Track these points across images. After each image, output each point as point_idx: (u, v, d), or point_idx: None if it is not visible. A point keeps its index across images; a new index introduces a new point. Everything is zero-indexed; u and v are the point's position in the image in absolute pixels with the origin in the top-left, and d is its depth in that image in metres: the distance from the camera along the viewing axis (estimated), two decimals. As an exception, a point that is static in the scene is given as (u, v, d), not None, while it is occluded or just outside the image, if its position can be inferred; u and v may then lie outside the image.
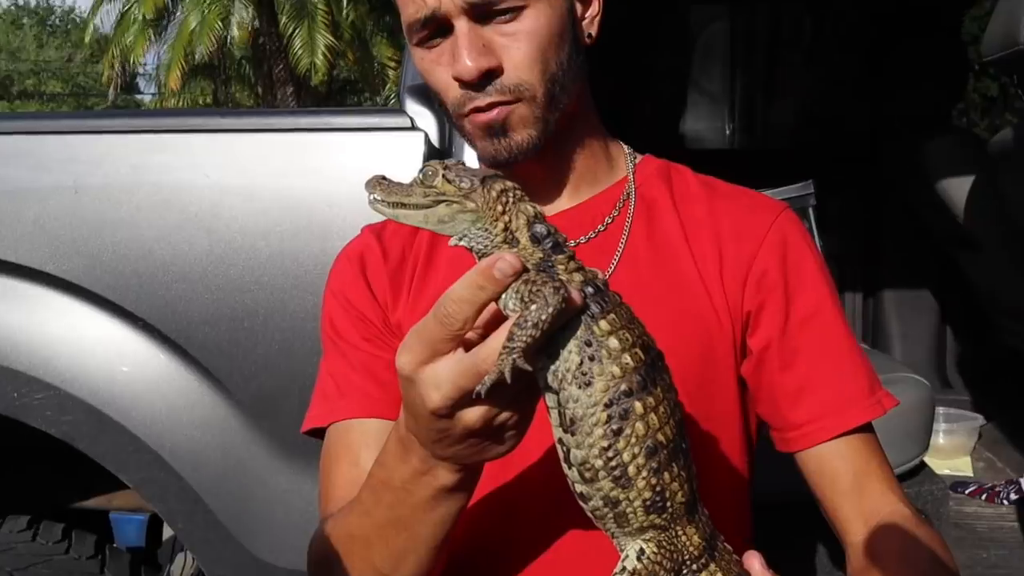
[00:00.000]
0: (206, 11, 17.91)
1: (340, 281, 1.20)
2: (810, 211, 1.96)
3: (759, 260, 1.12)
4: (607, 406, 0.76)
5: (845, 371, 1.11)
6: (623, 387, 0.76)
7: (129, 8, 18.96)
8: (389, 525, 0.94)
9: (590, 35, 1.15)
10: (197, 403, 1.66)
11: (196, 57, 18.37)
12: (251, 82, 21.86)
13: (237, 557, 1.67)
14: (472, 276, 0.75)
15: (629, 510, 0.80)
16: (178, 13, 18.91)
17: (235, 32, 18.05)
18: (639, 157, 1.23)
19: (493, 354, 0.74)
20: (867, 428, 1.11)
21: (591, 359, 0.76)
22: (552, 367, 0.77)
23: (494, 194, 0.79)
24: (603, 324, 0.76)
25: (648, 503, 0.79)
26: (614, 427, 0.76)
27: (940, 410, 3.07)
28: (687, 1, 4.30)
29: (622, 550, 0.83)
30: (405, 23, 1.09)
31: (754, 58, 4.37)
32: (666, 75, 4.47)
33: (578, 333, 0.76)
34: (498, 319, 0.78)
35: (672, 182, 1.19)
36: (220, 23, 17.89)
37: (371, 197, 0.81)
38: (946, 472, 2.89)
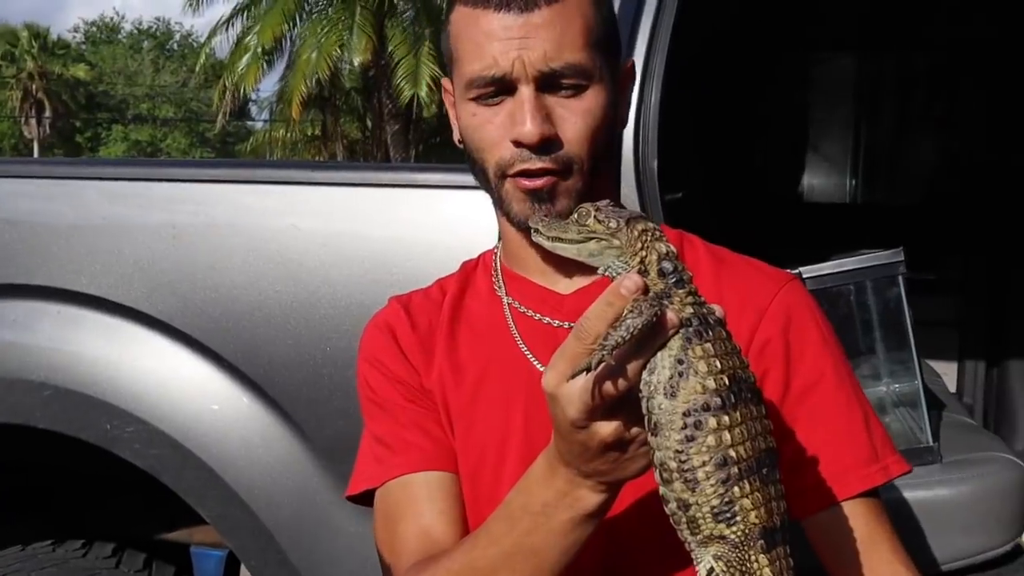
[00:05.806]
0: (322, 40, 18.47)
1: (373, 348, 1.30)
2: (899, 279, 2.00)
3: (761, 330, 1.22)
4: (685, 415, 0.90)
5: (843, 440, 1.20)
6: (701, 403, 0.90)
7: (247, 38, 19.74)
8: (519, 553, 1.04)
9: (623, 120, 1.31)
10: (275, 444, 1.76)
11: (309, 86, 18.84)
12: (361, 115, 22.41)
13: (306, 598, 1.77)
14: (604, 295, 0.90)
15: (699, 515, 0.91)
16: (294, 44, 19.51)
17: (355, 59, 18.32)
18: None
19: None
20: (872, 494, 1.19)
21: (680, 375, 0.90)
22: (649, 378, 0.92)
23: (636, 233, 0.94)
24: (697, 349, 0.91)
25: (716, 511, 0.91)
26: (688, 433, 0.90)
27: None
28: (805, 47, 4.33)
29: (697, 562, 0.94)
30: (466, 77, 1.17)
31: (882, 104, 4.37)
32: (781, 124, 4.50)
33: (675, 352, 0.91)
34: None
35: (684, 254, 1.26)
36: (338, 48, 18.35)
37: (534, 229, 1.00)
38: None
